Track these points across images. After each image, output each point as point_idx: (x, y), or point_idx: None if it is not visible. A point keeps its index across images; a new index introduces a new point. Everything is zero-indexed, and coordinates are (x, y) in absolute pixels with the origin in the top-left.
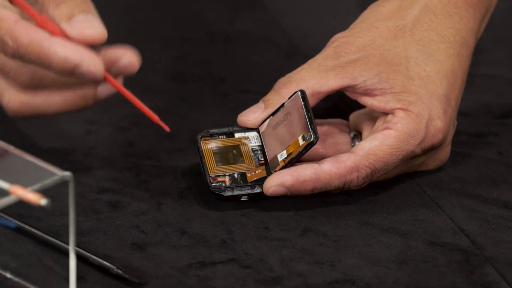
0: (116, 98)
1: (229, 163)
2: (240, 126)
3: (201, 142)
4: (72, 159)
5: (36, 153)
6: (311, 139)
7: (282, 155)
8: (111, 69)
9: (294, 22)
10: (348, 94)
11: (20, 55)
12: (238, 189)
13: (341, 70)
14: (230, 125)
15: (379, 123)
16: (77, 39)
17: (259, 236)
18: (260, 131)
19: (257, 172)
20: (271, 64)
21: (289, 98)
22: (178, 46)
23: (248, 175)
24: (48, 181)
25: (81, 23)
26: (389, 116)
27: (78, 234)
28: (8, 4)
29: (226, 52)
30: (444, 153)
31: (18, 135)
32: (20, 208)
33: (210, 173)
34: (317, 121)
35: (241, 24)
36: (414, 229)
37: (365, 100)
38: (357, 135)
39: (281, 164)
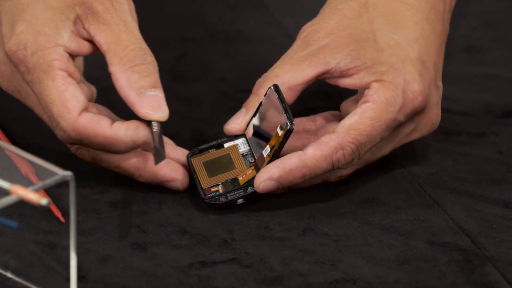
0: (116, 98)
1: (221, 173)
2: (228, 136)
3: (192, 160)
4: (73, 158)
5: (37, 153)
6: (288, 127)
7: (266, 151)
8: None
9: (294, 22)
10: (328, 81)
11: (83, 144)
12: (231, 193)
13: (313, 58)
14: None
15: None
16: (143, 117)
17: (259, 236)
18: (247, 136)
19: (247, 173)
20: (271, 64)
21: (265, 96)
22: (178, 46)
23: (240, 178)
24: (49, 181)
25: (150, 101)
26: (366, 90)
27: (79, 233)
28: (82, 85)
29: (226, 52)
30: (434, 116)
31: (19, 135)
32: (21, 207)
33: (203, 185)
34: (310, 116)
35: (241, 24)
36: (415, 229)
37: (344, 82)
38: None
39: (267, 159)
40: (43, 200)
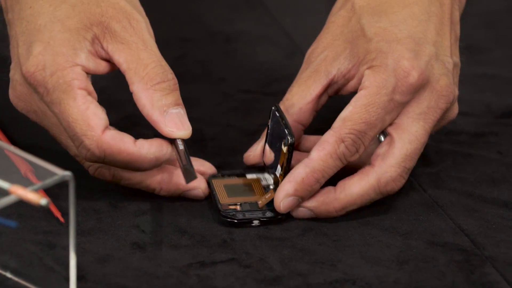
0: (117, 98)
1: (240, 195)
2: (251, 167)
3: (213, 181)
4: (73, 159)
5: (36, 153)
6: (289, 141)
7: (278, 171)
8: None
9: (295, 22)
10: (341, 93)
11: (106, 162)
12: (249, 213)
13: (316, 73)
14: (230, 124)
15: None
16: (167, 135)
17: (259, 236)
18: (265, 163)
19: (266, 197)
20: (271, 64)
21: (269, 119)
22: (178, 46)
23: (259, 202)
24: (49, 181)
25: (173, 119)
26: (361, 80)
27: (79, 233)
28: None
29: (226, 52)
30: (442, 87)
31: (19, 135)
32: (21, 207)
33: (221, 201)
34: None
35: (241, 24)
36: (414, 229)
37: (351, 86)
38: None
39: (280, 179)
40: (43, 200)
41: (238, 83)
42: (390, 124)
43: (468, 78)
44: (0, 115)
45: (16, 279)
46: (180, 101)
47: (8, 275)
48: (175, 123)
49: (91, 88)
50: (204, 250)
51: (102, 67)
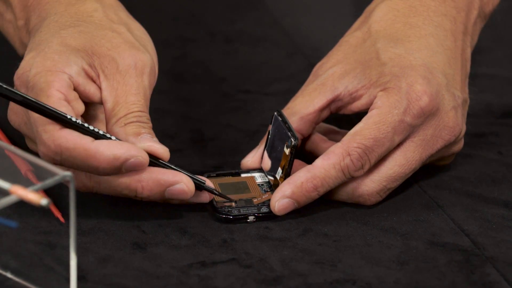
0: None
1: (236, 193)
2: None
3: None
4: None
5: (37, 153)
6: (293, 143)
7: (278, 173)
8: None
9: (295, 22)
10: (342, 111)
11: (64, 161)
12: (244, 209)
13: (322, 86)
14: (230, 124)
15: None
16: (144, 149)
17: (259, 236)
18: (264, 169)
19: (263, 197)
20: (271, 64)
21: (271, 125)
22: (178, 46)
23: (255, 200)
24: (49, 181)
25: (148, 139)
26: (374, 101)
27: (79, 233)
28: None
29: (226, 52)
30: (450, 119)
31: (19, 135)
32: (21, 207)
33: (216, 199)
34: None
35: (242, 24)
36: (414, 229)
37: (357, 106)
38: None
39: (281, 181)
40: (43, 200)
41: (238, 83)
42: None
43: (468, 77)
44: (0, 115)
45: (16, 279)
46: (154, 135)
47: (9, 275)
48: (150, 141)
49: (72, 98)
50: (204, 250)
51: (92, 89)
